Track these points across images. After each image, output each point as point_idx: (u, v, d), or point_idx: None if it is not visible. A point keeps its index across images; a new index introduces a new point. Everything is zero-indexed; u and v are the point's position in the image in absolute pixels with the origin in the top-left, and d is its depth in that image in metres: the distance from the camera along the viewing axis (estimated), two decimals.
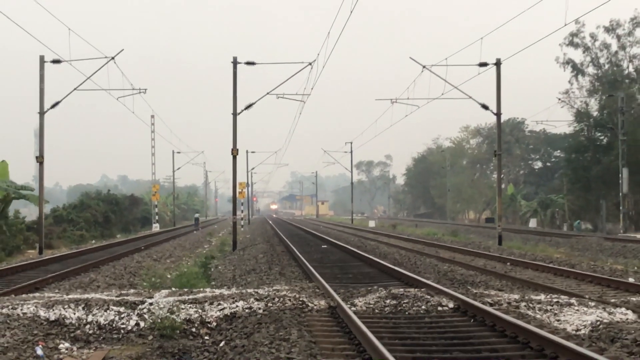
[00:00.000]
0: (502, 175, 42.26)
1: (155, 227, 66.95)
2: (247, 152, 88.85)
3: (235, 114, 35.09)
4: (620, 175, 51.89)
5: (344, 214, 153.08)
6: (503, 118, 39.79)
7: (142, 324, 12.06)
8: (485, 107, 37.33)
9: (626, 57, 66.41)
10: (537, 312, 12.60)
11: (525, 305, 13.05)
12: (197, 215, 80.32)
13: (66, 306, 12.78)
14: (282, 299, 13.47)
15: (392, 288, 15.43)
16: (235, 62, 34.80)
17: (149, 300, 13.27)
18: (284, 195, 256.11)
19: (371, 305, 13.23)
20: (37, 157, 34.62)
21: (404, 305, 13.15)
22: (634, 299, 15.07)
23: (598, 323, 11.54)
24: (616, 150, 54.56)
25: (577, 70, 68.38)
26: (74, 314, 12.42)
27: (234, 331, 11.60)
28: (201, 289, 16.16)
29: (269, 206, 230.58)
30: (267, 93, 36.38)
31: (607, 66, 67.33)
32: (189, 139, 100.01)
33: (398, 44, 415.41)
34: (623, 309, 12.77)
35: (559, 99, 66.88)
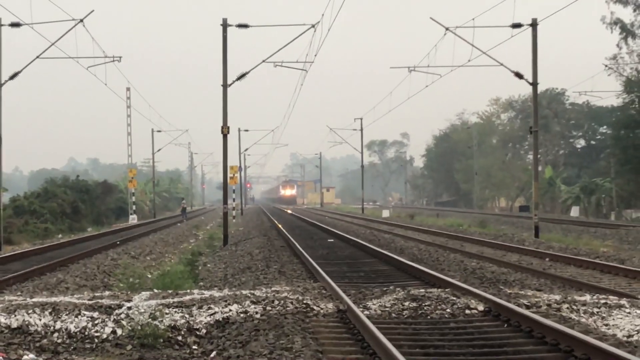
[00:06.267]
0: (538, 156, 42.20)
1: (133, 219, 67.11)
2: (239, 130, 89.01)
3: (225, 86, 35.05)
4: None
5: (353, 202, 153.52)
6: (540, 88, 39.79)
7: (119, 331, 12.09)
8: (519, 75, 37.24)
9: None
10: (582, 315, 12.62)
11: (567, 308, 13.08)
12: (183, 202, 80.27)
13: (30, 311, 12.82)
14: (282, 301, 13.50)
15: (411, 288, 15.46)
16: (225, 25, 34.72)
17: (127, 304, 13.30)
18: (280, 182, 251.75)
19: (387, 309, 13.26)
20: None
21: (425, 308, 13.17)
22: None
23: None
24: None
25: (627, 31, 68.13)
26: (40, 320, 12.46)
27: (227, 339, 11.64)
28: (188, 291, 16.21)
29: (276, 193, 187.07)
30: (263, 61, 36.40)
31: None
32: (171, 116, 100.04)
33: (417, 2, 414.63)
34: None
35: (606, 66, 66.77)
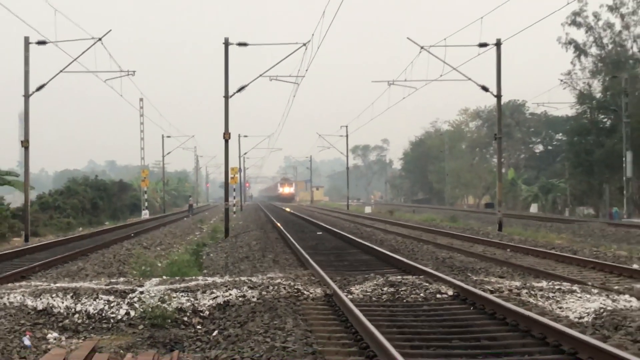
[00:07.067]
0: (502, 159, 42.31)
1: (145, 214, 66.88)
2: (239, 136, 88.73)
3: (227, 97, 34.99)
4: (623, 158, 51.95)
5: (340, 199, 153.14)
6: (503, 100, 39.82)
7: (132, 313, 12.08)
8: (485, 88, 37.32)
9: (630, 37, 66.26)
10: (539, 299, 12.66)
11: (526, 293, 13.11)
12: (191, 199, 79.95)
13: (54, 295, 12.79)
14: (276, 287, 13.50)
15: (389, 275, 15.49)
16: (226, 43, 34.67)
17: (139, 289, 13.29)
18: (277, 180, 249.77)
19: (368, 293, 13.27)
20: (22, 142, 34.52)
21: (401, 292, 13.19)
22: (638, 285, 15.13)
23: (601, 310, 11.60)
24: (619, 133, 54.62)
25: (580, 50, 68.28)
26: (62, 303, 12.44)
27: (227, 320, 11.64)
28: (193, 277, 16.19)
29: (274, 190, 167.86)
30: (260, 75, 36.37)
31: (610, 46, 67.22)
32: (179, 123, 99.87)
33: (396, 25, 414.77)
34: (627, 296, 12.84)
35: (561, 81, 66.84)
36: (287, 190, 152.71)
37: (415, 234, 34.27)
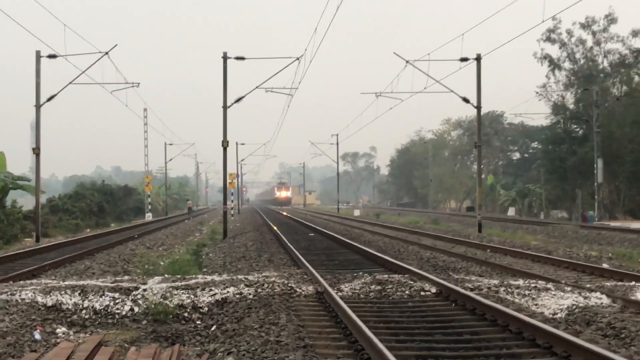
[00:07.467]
0: (482, 166, 42.39)
1: (148, 217, 66.68)
2: (236, 143, 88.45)
3: (225, 107, 34.97)
4: (595, 165, 52.10)
5: (331, 203, 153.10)
6: (483, 111, 39.90)
7: (136, 309, 12.06)
8: (466, 100, 37.39)
9: (601, 53, 66.78)
10: (516, 296, 12.68)
11: (504, 290, 13.13)
12: (189, 202, 79.53)
13: (63, 292, 12.76)
14: (271, 284, 13.49)
15: (376, 274, 15.48)
16: (225, 57, 34.66)
17: (143, 287, 13.26)
18: (273, 185, 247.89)
19: (357, 291, 13.27)
20: (33, 149, 34.41)
21: (388, 290, 13.20)
22: (608, 284, 15.19)
23: (574, 307, 11.63)
24: (591, 141, 54.82)
25: (554, 65, 68.62)
26: (71, 299, 12.40)
27: (225, 316, 11.62)
28: (193, 276, 16.17)
29: (271, 195, 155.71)
30: (257, 87, 36.29)
31: (582, 61, 67.61)
32: (180, 131, 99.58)
33: (383, 40, 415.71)
34: (598, 294, 12.87)
35: (537, 93, 67.12)
36: (284, 194, 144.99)
37: (401, 235, 34.28)
